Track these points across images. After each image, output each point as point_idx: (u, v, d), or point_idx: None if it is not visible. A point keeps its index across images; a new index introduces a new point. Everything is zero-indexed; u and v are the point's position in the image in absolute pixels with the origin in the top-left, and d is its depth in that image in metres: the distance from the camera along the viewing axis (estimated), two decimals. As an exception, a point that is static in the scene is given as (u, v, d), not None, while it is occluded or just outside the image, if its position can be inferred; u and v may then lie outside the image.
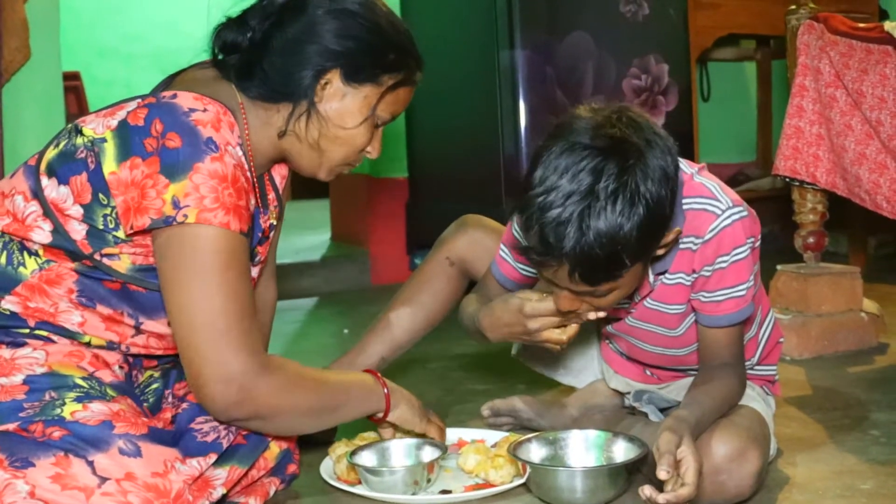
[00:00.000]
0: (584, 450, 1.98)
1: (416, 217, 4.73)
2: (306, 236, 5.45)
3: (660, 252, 1.82)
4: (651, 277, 1.92)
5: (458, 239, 2.40)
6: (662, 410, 2.06)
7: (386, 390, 1.98)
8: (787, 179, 3.07)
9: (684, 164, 1.87)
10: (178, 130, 1.67)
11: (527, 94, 3.94)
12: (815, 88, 3.01)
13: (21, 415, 1.66)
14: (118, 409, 1.71)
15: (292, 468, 2.04)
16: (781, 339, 2.18)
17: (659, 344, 2.05)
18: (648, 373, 2.18)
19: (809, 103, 3.02)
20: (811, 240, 3.08)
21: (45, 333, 1.78)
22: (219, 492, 1.80)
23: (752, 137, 5.70)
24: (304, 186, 8.33)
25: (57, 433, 1.64)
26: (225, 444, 1.82)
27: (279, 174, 2.02)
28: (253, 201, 1.80)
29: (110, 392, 1.76)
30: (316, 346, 3.59)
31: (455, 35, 4.32)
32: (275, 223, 2.00)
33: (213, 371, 1.68)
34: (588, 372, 2.34)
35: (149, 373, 1.99)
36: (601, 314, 1.85)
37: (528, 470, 1.89)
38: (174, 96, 1.72)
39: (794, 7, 3.16)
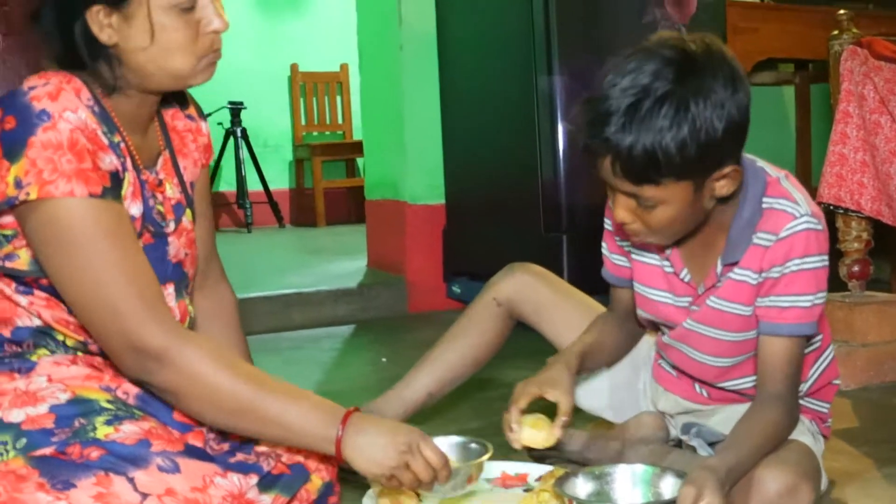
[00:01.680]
0: (630, 485, 1.93)
1: (453, 244, 4.72)
2: (342, 262, 5.45)
3: (721, 190, 1.82)
4: (719, 267, 1.93)
5: (505, 281, 2.42)
6: (711, 444, 2.03)
7: (340, 432, 1.72)
8: (832, 207, 3.04)
9: (770, 168, 1.93)
10: (14, 111, 1.65)
11: (565, 119, 3.93)
12: (860, 115, 2.98)
13: (54, 440, 1.65)
14: (149, 428, 1.70)
15: (333, 500, 2.01)
16: (837, 381, 2.15)
17: (714, 352, 2.03)
18: (698, 389, 2.16)
19: (853, 130, 2.99)
20: (856, 268, 3.05)
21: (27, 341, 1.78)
22: None
23: (791, 162, 5.66)
24: (338, 212, 8.37)
25: (95, 453, 1.63)
26: (265, 468, 1.80)
27: (180, 127, 1.98)
28: (111, 160, 1.72)
29: (137, 412, 1.76)
30: (354, 376, 3.57)
31: (492, 60, 4.33)
32: (180, 182, 1.94)
33: (119, 342, 1.67)
34: (631, 407, 2.31)
35: None
36: (650, 239, 1.89)
37: (574, 506, 1.86)
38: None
39: (836, 32, 3.14)
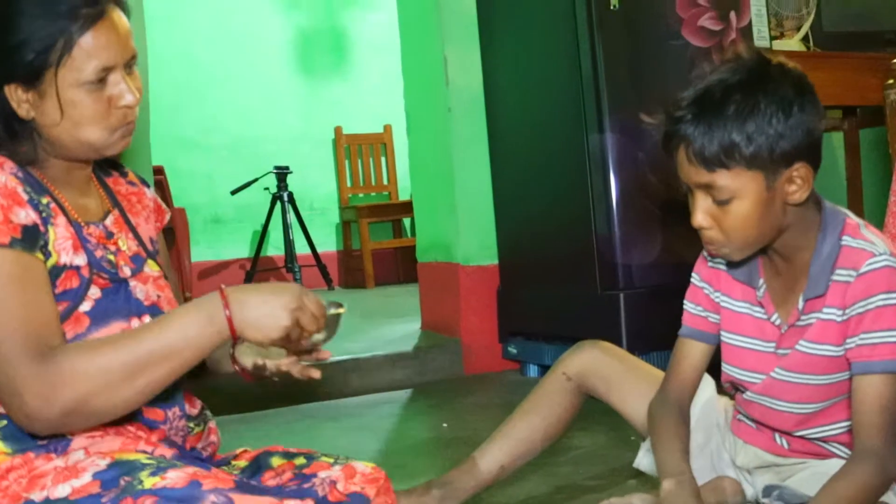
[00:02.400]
0: (712, 554, 1.91)
1: (507, 304, 4.70)
2: (395, 325, 5.44)
3: (793, 195, 1.87)
4: (800, 303, 1.96)
5: (575, 357, 2.42)
6: (793, 508, 2.00)
7: (227, 313, 1.69)
8: None
9: (852, 215, 1.98)
10: None
11: (618, 177, 3.94)
12: (920, 163, 2.94)
13: (104, 500, 1.63)
14: (194, 471, 1.68)
15: None
16: None
17: (800, 398, 2.02)
18: (778, 440, 2.13)
19: (914, 179, 2.94)
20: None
21: None
22: None
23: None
24: (387, 272, 8.39)
25: (148, 502, 1.61)
26: (320, 493, 1.80)
27: (124, 191, 2.02)
28: (27, 213, 1.72)
29: (177, 462, 1.74)
30: (416, 443, 3.55)
31: (541, 119, 4.33)
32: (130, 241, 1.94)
33: (15, 394, 1.62)
34: (705, 472, 2.28)
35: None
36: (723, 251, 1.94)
37: (658, 579, 1.83)
38: None
39: (892, 81, 3.10)
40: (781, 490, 2.05)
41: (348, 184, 8.79)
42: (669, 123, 1.89)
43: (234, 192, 7.88)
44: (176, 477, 1.65)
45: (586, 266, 4.04)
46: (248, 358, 1.97)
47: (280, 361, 1.93)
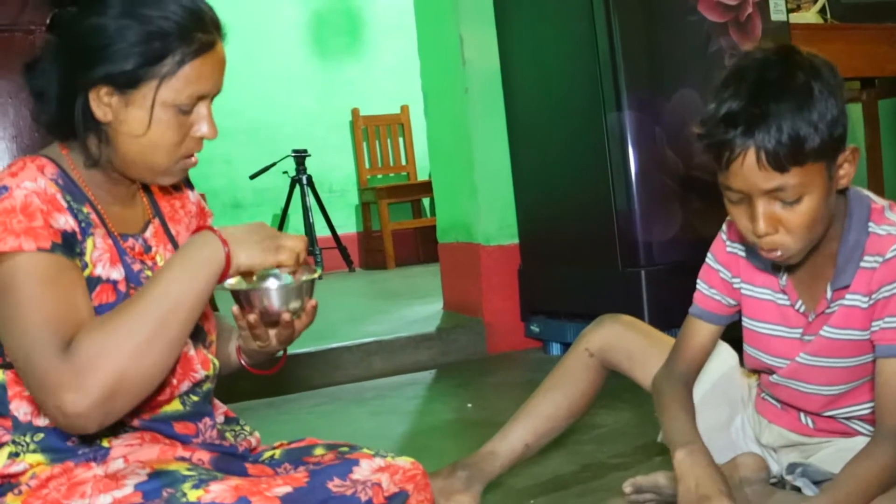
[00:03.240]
0: (738, 531, 1.92)
1: (529, 283, 4.71)
2: (418, 307, 5.46)
3: (841, 177, 1.83)
4: (829, 293, 1.94)
5: (596, 332, 2.43)
6: (817, 483, 2.01)
7: (225, 250, 1.73)
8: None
9: (876, 197, 1.96)
10: None
11: (637, 154, 3.94)
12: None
13: None
14: (237, 484, 1.69)
15: None
16: None
17: (826, 381, 2.02)
18: (803, 419, 2.14)
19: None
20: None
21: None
22: None
23: (862, 178, 5.60)
24: (407, 253, 8.41)
25: None
26: (363, 498, 1.79)
27: (168, 197, 2.01)
28: (67, 220, 1.72)
29: (218, 474, 1.76)
30: (441, 424, 3.57)
31: (559, 97, 4.33)
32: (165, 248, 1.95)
33: (49, 393, 1.60)
34: (729, 448, 2.29)
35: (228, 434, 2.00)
36: (787, 254, 1.86)
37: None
38: None
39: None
40: (805, 467, 2.05)
41: (367, 165, 8.80)
42: (728, 132, 1.78)
43: (252, 177, 7.90)
44: (220, 490, 1.66)
45: (607, 243, 4.05)
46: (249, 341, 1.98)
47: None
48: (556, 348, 4.52)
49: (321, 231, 8.16)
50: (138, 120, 1.76)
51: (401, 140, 8.91)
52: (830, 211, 1.87)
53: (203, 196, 6.53)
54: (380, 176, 8.86)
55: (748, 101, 1.76)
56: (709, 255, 2.16)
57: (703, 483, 1.93)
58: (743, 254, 2.09)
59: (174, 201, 2.03)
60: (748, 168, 1.78)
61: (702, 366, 2.19)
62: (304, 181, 8.03)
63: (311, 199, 8.04)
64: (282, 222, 8.14)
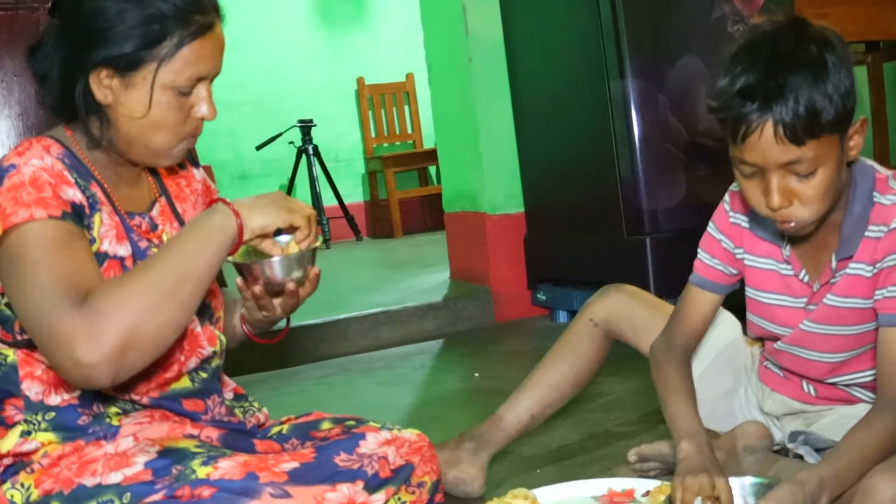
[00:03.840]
0: (740, 498, 1.93)
1: (535, 251, 4.73)
2: (425, 276, 5.49)
3: (851, 149, 1.84)
4: (833, 263, 1.96)
5: (600, 302, 2.43)
6: (819, 451, 2.03)
7: (237, 220, 1.77)
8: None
9: (879, 167, 1.97)
10: None
11: (640, 122, 3.94)
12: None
13: (158, 487, 1.68)
14: (245, 461, 1.73)
15: (439, 498, 2.04)
16: None
17: (829, 349, 2.04)
18: (806, 387, 2.16)
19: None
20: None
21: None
22: None
23: (867, 141, 5.59)
24: (414, 221, 8.43)
25: (207, 492, 1.66)
26: (369, 472, 1.83)
27: (173, 175, 2.04)
28: (75, 193, 1.76)
29: (227, 451, 1.80)
30: (448, 393, 3.60)
31: (563, 66, 4.33)
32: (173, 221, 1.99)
33: (62, 344, 1.60)
34: (734, 416, 2.32)
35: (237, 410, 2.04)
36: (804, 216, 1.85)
37: (687, 524, 1.87)
38: None
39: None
40: (807, 435, 2.07)
41: (373, 134, 8.81)
42: (745, 105, 1.77)
43: (259, 148, 7.91)
44: (228, 467, 1.70)
45: (612, 211, 4.07)
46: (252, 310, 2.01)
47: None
48: (563, 316, 4.54)
49: (328, 201, 8.18)
50: (138, 102, 1.78)
51: (406, 108, 8.91)
52: (841, 182, 1.88)
53: (209, 169, 6.51)
54: (386, 144, 8.87)
55: (764, 74, 1.75)
56: (710, 224, 2.16)
57: (705, 486, 1.90)
58: (746, 224, 2.10)
59: (180, 180, 2.05)
60: (765, 141, 1.77)
61: (702, 335, 2.21)
62: (311, 151, 8.05)
63: (317, 169, 8.06)
64: (289, 192, 8.13)
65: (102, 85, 1.78)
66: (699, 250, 2.18)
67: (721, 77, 1.82)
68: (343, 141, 8.80)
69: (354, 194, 8.80)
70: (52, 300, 1.61)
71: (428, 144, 8.56)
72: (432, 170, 8.75)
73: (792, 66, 1.74)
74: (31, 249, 1.66)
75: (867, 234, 1.92)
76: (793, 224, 1.87)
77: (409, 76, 8.78)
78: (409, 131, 8.90)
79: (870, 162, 1.96)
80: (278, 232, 1.86)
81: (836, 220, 1.94)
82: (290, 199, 1.86)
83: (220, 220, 1.75)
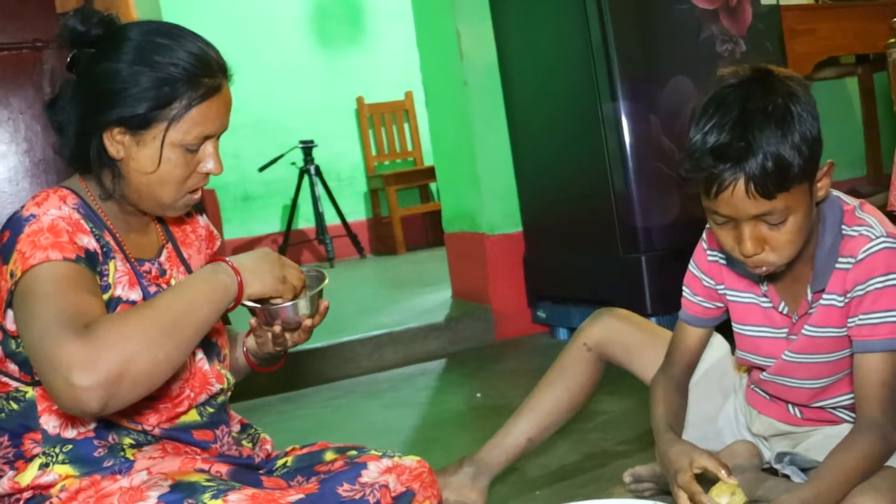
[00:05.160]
0: (729, 516, 2.01)
1: (534, 269, 4.81)
2: (427, 295, 5.56)
3: (819, 190, 1.91)
4: (809, 295, 2.02)
5: (593, 327, 2.49)
6: (805, 471, 2.10)
7: (237, 278, 1.86)
8: (904, 214, 3.07)
9: (846, 198, 2.03)
10: (9, 226, 1.81)
11: (633, 141, 4.02)
12: (923, 119, 3.01)
13: None
14: (252, 493, 1.79)
15: None
16: None
17: (810, 376, 2.10)
18: (792, 410, 2.22)
19: (918, 135, 3.01)
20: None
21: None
22: None
23: (860, 152, 5.66)
24: (416, 237, 8.48)
25: None
26: (371, 501, 1.88)
27: (179, 223, 2.13)
28: (90, 241, 1.84)
29: (235, 484, 1.86)
30: (451, 415, 3.66)
31: (556, 89, 4.41)
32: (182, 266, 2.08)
33: (58, 368, 1.62)
34: (722, 436, 2.38)
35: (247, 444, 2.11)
36: (770, 263, 1.92)
37: (681, 545, 1.94)
38: None
39: (893, 40, 3.17)
40: (793, 456, 2.14)
41: (373, 152, 8.88)
42: (717, 165, 1.82)
43: (261, 169, 7.99)
44: (237, 500, 1.76)
45: (607, 230, 4.15)
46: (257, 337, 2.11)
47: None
48: (563, 333, 4.62)
49: (331, 219, 8.26)
50: (148, 158, 1.88)
51: (406, 126, 8.98)
52: (812, 221, 1.95)
53: (213, 192, 6.54)
54: (387, 162, 8.94)
55: (734, 133, 1.81)
56: (691, 262, 2.24)
57: (673, 461, 2.02)
58: (724, 262, 2.17)
59: (185, 227, 2.15)
60: (737, 197, 1.83)
61: (695, 366, 2.29)
62: (313, 171, 8.13)
63: (319, 189, 8.14)
64: (291, 213, 8.22)
65: (115, 141, 1.88)
66: (684, 287, 2.26)
67: (692, 132, 1.87)
68: (344, 160, 8.87)
69: (357, 212, 8.87)
70: (55, 328, 1.66)
71: (428, 161, 8.62)
72: (433, 186, 8.81)
73: (761, 123, 1.80)
74: (41, 284, 1.73)
75: (837, 265, 1.98)
76: (764, 269, 1.94)
77: (409, 94, 8.86)
78: (410, 149, 8.97)
79: (836, 193, 2.03)
80: None
81: (810, 252, 2.00)
82: (284, 264, 1.97)
83: (223, 279, 1.84)
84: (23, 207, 1.84)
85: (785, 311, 2.10)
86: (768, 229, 1.88)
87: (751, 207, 1.84)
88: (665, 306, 3.88)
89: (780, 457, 2.17)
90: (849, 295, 1.97)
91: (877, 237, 1.94)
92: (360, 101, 8.84)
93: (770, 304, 2.11)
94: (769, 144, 1.79)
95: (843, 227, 1.99)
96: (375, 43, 9.00)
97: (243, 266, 1.88)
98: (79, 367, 1.61)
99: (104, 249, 1.88)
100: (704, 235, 2.21)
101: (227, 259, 1.89)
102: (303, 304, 1.98)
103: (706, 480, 1.96)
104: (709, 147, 1.83)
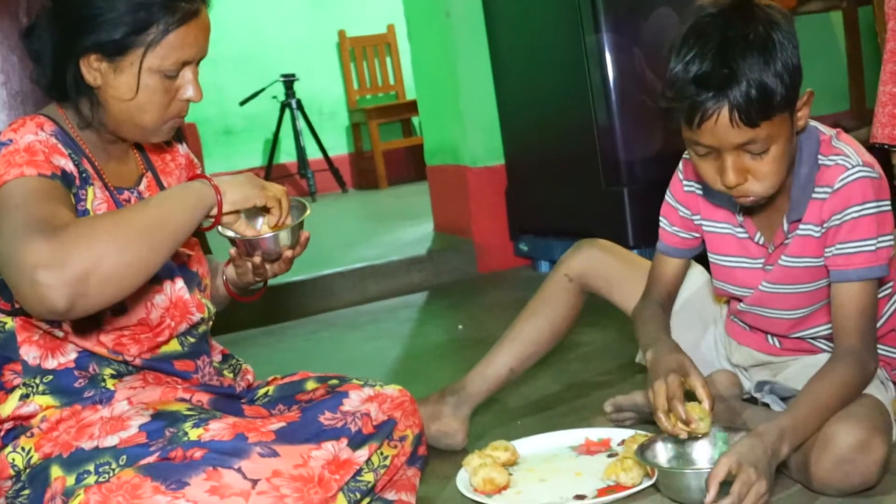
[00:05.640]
0: (710, 447, 2.02)
1: (516, 203, 4.80)
2: (409, 228, 5.55)
3: (799, 120, 1.91)
4: (785, 225, 2.02)
5: (574, 257, 2.49)
6: (785, 399, 2.12)
7: (217, 196, 1.85)
8: (887, 146, 3.07)
9: (823, 128, 2.02)
10: None
11: (616, 74, 4.00)
12: (908, 52, 2.99)
13: (153, 449, 1.76)
14: (234, 422, 1.81)
15: (422, 450, 2.14)
16: None
17: (788, 306, 2.11)
18: (771, 340, 2.23)
19: (903, 67, 3.00)
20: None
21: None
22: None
23: (843, 86, 5.63)
24: (399, 171, 8.46)
25: (198, 453, 1.74)
26: (353, 429, 1.92)
27: (158, 151, 2.12)
28: (67, 163, 1.84)
29: (217, 413, 1.89)
30: (432, 346, 3.68)
31: (539, 21, 4.37)
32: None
33: (25, 269, 1.61)
34: (703, 365, 2.39)
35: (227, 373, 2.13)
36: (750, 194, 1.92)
37: (657, 473, 1.96)
38: None
39: (878, -29, 3.16)
40: (773, 385, 2.15)
41: (355, 86, 8.82)
42: (700, 94, 1.81)
43: (242, 103, 7.93)
44: (219, 428, 1.78)
45: (590, 163, 4.14)
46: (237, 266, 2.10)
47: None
48: (545, 266, 4.61)
49: (313, 154, 8.22)
50: (126, 85, 1.87)
51: (388, 60, 8.91)
52: (792, 152, 1.95)
53: (194, 126, 6.54)
54: (369, 97, 8.88)
55: (716, 61, 1.79)
56: (668, 192, 2.24)
57: (669, 362, 2.03)
58: (700, 192, 2.17)
59: (165, 155, 2.13)
60: (721, 126, 1.82)
61: (675, 296, 2.30)
62: (294, 105, 8.08)
63: (301, 123, 8.09)
64: (273, 147, 8.20)
65: (92, 69, 1.87)
66: (660, 217, 2.25)
67: (672, 62, 1.85)
68: (326, 94, 8.80)
69: (339, 147, 8.82)
70: (22, 232, 1.65)
71: (410, 96, 8.56)
72: (415, 120, 8.76)
73: (743, 50, 1.79)
74: (14, 196, 1.72)
75: (814, 195, 1.98)
76: (750, 198, 1.94)
77: (391, 27, 8.78)
78: (392, 83, 8.91)
79: (813, 123, 2.02)
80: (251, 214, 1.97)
81: (787, 183, 2.00)
82: (262, 181, 1.95)
83: (200, 188, 1.84)
84: (3, 136, 1.83)
85: (761, 242, 2.10)
86: (751, 159, 1.87)
87: (734, 136, 1.83)
88: (647, 239, 3.88)
89: (759, 386, 2.19)
90: (825, 225, 1.98)
91: (853, 166, 1.94)
92: (341, 34, 8.77)
93: (746, 235, 2.11)
94: (752, 72, 1.79)
95: (820, 156, 1.98)
96: (357, -25, 8.91)
97: (221, 179, 1.89)
98: (44, 266, 1.60)
99: (83, 175, 1.88)
100: (681, 166, 2.21)
101: (205, 175, 1.90)
102: (283, 235, 1.97)
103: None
104: (691, 76, 1.81)
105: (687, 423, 1.94)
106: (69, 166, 1.84)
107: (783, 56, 1.81)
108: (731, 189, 1.91)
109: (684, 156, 2.16)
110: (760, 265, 2.11)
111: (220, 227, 1.94)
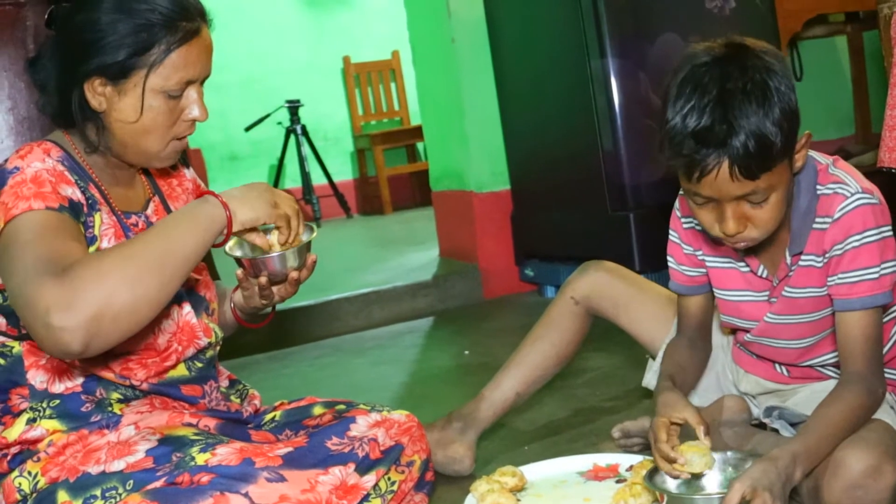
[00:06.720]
0: (720, 472, 2.00)
1: (522, 228, 4.80)
2: (415, 254, 5.55)
3: (797, 161, 1.88)
4: (788, 258, 2.00)
5: (581, 280, 2.49)
6: (794, 425, 2.10)
7: (227, 213, 1.84)
8: (894, 170, 3.06)
9: (819, 156, 1.99)
10: None
11: (622, 99, 4.00)
12: (914, 76, 2.99)
13: (160, 474, 1.76)
14: (241, 447, 1.81)
15: (430, 476, 2.14)
16: None
17: (794, 336, 2.10)
18: (778, 369, 2.22)
19: (909, 92, 2.99)
20: (921, 225, 3.06)
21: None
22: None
23: (849, 111, 5.65)
24: (403, 197, 8.47)
25: (205, 478, 1.73)
26: (360, 454, 1.91)
27: (165, 176, 2.13)
28: (74, 192, 1.84)
29: (223, 438, 1.88)
30: (438, 371, 3.66)
31: (544, 46, 4.38)
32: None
33: (38, 311, 1.62)
34: (712, 391, 2.38)
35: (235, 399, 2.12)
36: (747, 238, 1.89)
37: (666, 499, 1.94)
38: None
39: (883, -5, 3.15)
40: (782, 410, 2.13)
41: (360, 112, 8.84)
42: (700, 150, 1.77)
43: (248, 129, 7.96)
44: (226, 453, 1.77)
45: (595, 187, 4.13)
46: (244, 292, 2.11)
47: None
48: (550, 291, 4.61)
49: (318, 179, 8.23)
50: (131, 107, 1.87)
51: (393, 85, 8.94)
52: (790, 194, 1.93)
53: (199, 152, 6.54)
54: (373, 122, 8.90)
55: (716, 115, 1.76)
56: (671, 230, 2.21)
57: (658, 406, 2.01)
58: (699, 228, 2.12)
59: (171, 180, 2.14)
60: (721, 180, 1.79)
61: (707, 326, 2.26)
62: (299, 131, 8.10)
63: (306, 149, 8.11)
64: (278, 172, 8.20)
65: (97, 93, 1.87)
66: (668, 256, 2.23)
67: (669, 113, 1.81)
68: (331, 119, 8.83)
69: (343, 172, 8.84)
70: (32, 272, 1.65)
71: (415, 121, 8.59)
72: (420, 146, 8.78)
73: (741, 103, 1.76)
74: (23, 232, 1.73)
75: (814, 226, 1.96)
76: (743, 244, 1.93)
77: (395, 53, 8.81)
78: (396, 108, 8.93)
79: (810, 153, 1.99)
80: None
81: (787, 216, 1.97)
82: (275, 192, 1.94)
83: (209, 210, 1.83)
84: (6, 161, 1.84)
85: (764, 275, 2.08)
86: (750, 207, 1.85)
87: (735, 189, 1.81)
88: (653, 263, 3.87)
89: (768, 411, 2.17)
90: (827, 255, 1.96)
91: (852, 194, 1.92)
92: (346, 60, 8.79)
93: (748, 269, 2.10)
94: (751, 124, 1.76)
95: (818, 186, 1.96)
96: (362, 1, 8.93)
97: (230, 196, 1.87)
98: (56, 309, 1.60)
99: (90, 202, 1.87)
100: (677, 203, 2.18)
101: (214, 192, 1.88)
102: (290, 255, 1.97)
103: (689, 436, 1.96)
104: (690, 131, 1.77)
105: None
106: (76, 194, 1.84)
107: (781, 103, 1.78)
108: (729, 238, 1.90)
109: (680, 192, 2.13)
110: (765, 298, 2.09)
111: (226, 247, 1.94)
